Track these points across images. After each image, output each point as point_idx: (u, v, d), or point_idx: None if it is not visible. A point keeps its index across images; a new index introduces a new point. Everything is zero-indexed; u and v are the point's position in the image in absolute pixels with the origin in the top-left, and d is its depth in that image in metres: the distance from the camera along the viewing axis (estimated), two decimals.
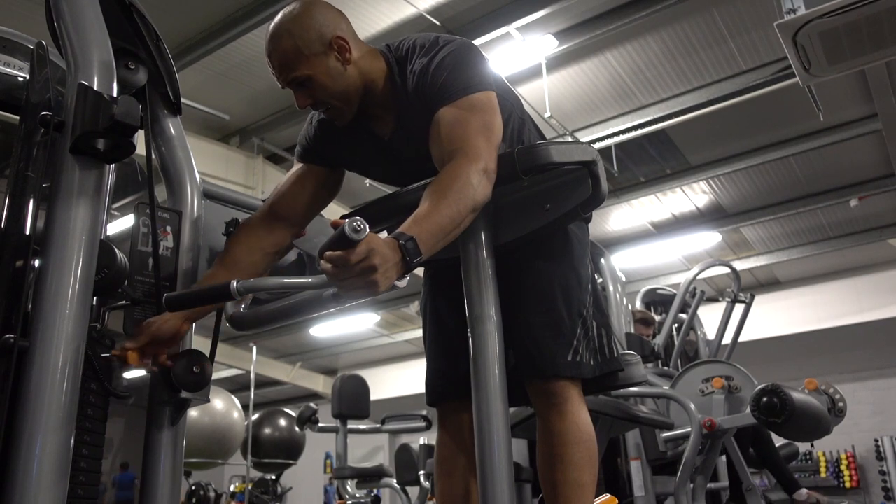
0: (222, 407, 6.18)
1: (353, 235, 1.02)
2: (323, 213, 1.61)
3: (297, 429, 5.66)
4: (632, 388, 2.66)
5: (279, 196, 1.52)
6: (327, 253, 1.06)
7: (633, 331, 4.27)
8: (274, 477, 6.88)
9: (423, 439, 5.12)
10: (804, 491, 3.96)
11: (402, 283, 1.12)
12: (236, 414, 6.43)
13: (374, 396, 4.87)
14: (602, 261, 4.11)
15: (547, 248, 1.46)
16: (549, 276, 1.46)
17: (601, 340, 1.46)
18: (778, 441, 4.06)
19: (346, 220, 1.03)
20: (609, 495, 1.70)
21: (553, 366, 1.40)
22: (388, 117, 1.47)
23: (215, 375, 1.61)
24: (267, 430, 6.60)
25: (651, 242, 8.12)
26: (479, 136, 1.28)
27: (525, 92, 5.48)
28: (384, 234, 1.15)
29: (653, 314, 4.81)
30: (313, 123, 1.56)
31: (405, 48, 1.44)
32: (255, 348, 6.94)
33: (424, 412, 4.36)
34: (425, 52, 1.40)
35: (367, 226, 1.03)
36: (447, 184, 1.22)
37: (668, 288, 5.44)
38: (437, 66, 1.36)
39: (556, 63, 5.33)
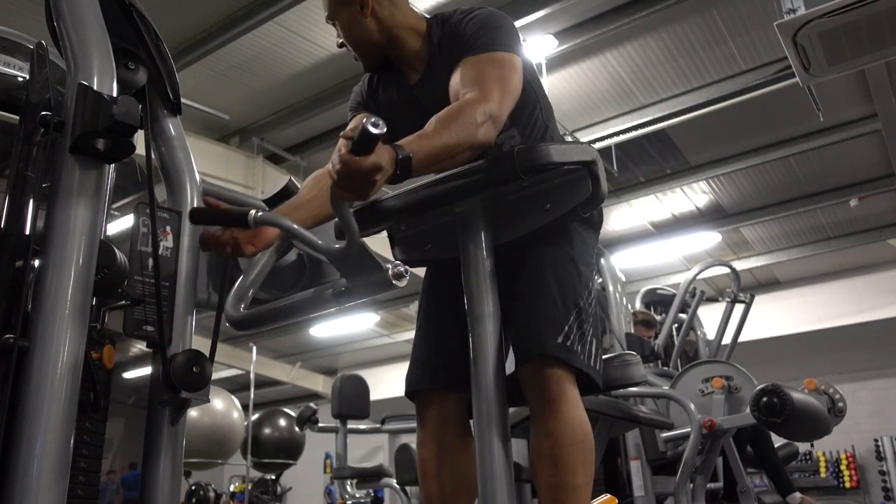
0: (222, 407, 6.19)
1: (372, 129, 1.06)
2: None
3: (296, 429, 5.66)
4: (632, 388, 2.66)
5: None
6: (343, 153, 1.10)
7: (633, 332, 4.27)
8: (274, 477, 6.89)
9: None
10: (798, 494, 3.95)
11: (402, 284, 1.13)
12: (236, 414, 6.44)
13: (374, 396, 4.86)
14: (602, 261, 4.11)
15: (548, 241, 1.47)
16: (546, 263, 1.45)
17: (590, 347, 1.42)
18: (778, 441, 4.06)
19: (365, 118, 1.07)
20: (609, 495, 1.69)
21: (541, 344, 1.35)
22: (417, 74, 1.58)
23: (215, 375, 1.61)
24: (267, 430, 6.60)
25: (651, 242, 8.12)
26: (494, 84, 1.36)
27: None
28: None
29: (654, 315, 4.80)
30: (363, 81, 1.70)
31: (449, 11, 1.57)
32: (254, 348, 6.94)
33: None
34: (465, 12, 1.54)
35: (385, 127, 1.07)
36: (453, 115, 1.29)
37: (668, 288, 5.44)
38: (471, 21, 1.50)
39: (556, 63, 5.34)
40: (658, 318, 4.85)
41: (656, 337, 4.53)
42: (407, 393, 1.58)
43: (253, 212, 1.25)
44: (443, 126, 1.26)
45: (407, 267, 1.14)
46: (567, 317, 1.39)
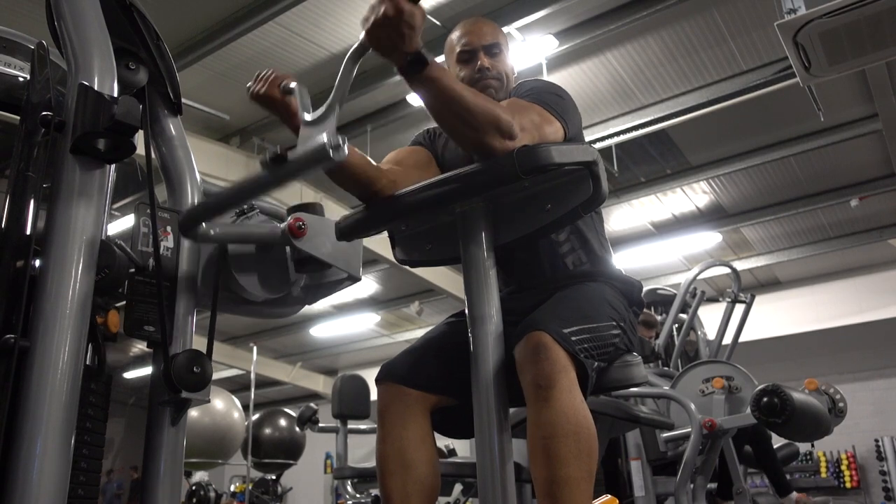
0: (222, 407, 6.19)
1: None
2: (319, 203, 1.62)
3: (297, 429, 5.66)
4: (632, 389, 2.66)
5: (391, 161, 1.67)
6: None
7: None
8: (274, 477, 6.89)
9: None
10: (794, 494, 3.94)
11: (340, 155, 1.11)
12: (236, 414, 6.44)
13: (374, 397, 4.86)
14: None
15: (585, 285, 1.55)
16: (577, 291, 1.51)
17: (591, 351, 1.38)
18: (778, 441, 4.06)
19: None
20: (609, 495, 1.69)
21: (539, 323, 1.32)
22: None
23: (215, 375, 1.61)
24: (267, 430, 6.61)
25: (651, 242, 8.12)
26: (528, 115, 1.37)
27: None
28: None
29: (654, 315, 4.80)
30: (427, 131, 1.83)
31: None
32: (255, 348, 6.94)
33: None
34: (531, 80, 1.64)
35: None
36: (488, 103, 1.30)
37: (668, 288, 5.44)
38: (533, 85, 1.58)
39: (557, 63, 5.33)
40: (658, 318, 4.84)
41: (657, 337, 4.53)
42: (378, 378, 1.56)
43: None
44: (474, 94, 1.29)
45: (344, 137, 1.11)
46: (580, 323, 1.37)
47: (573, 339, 1.33)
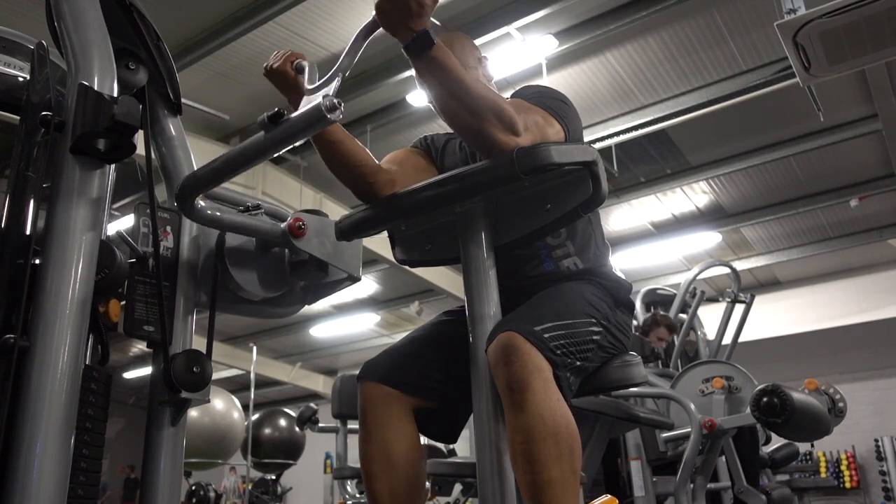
0: (222, 407, 6.19)
1: None
2: (324, 211, 1.62)
3: (297, 429, 5.66)
4: (632, 389, 2.66)
5: (390, 161, 1.65)
6: None
7: (650, 334, 4.28)
8: (274, 477, 6.89)
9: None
10: None
11: (336, 116, 1.09)
12: (236, 414, 6.44)
13: None
14: None
15: (566, 283, 1.52)
16: (557, 291, 1.48)
17: (566, 350, 1.33)
18: (778, 441, 4.05)
19: None
20: (609, 495, 1.69)
21: (506, 323, 1.28)
22: None
23: (215, 375, 1.61)
24: (267, 430, 6.61)
25: (651, 242, 8.12)
26: (532, 115, 1.35)
27: None
28: None
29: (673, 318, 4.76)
30: (436, 135, 1.81)
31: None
32: (255, 348, 6.94)
33: None
34: (531, 86, 1.59)
35: None
36: (495, 95, 1.29)
37: (668, 288, 5.44)
38: (537, 90, 1.55)
39: (557, 63, 5.34)
40: None
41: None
42: (359, 376, 1.54)
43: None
44: (477, 81, 1.26)
45: (340, 101, 1.07)
46: (553, 320, 1.33)
47: (545, 336, 1.29)
